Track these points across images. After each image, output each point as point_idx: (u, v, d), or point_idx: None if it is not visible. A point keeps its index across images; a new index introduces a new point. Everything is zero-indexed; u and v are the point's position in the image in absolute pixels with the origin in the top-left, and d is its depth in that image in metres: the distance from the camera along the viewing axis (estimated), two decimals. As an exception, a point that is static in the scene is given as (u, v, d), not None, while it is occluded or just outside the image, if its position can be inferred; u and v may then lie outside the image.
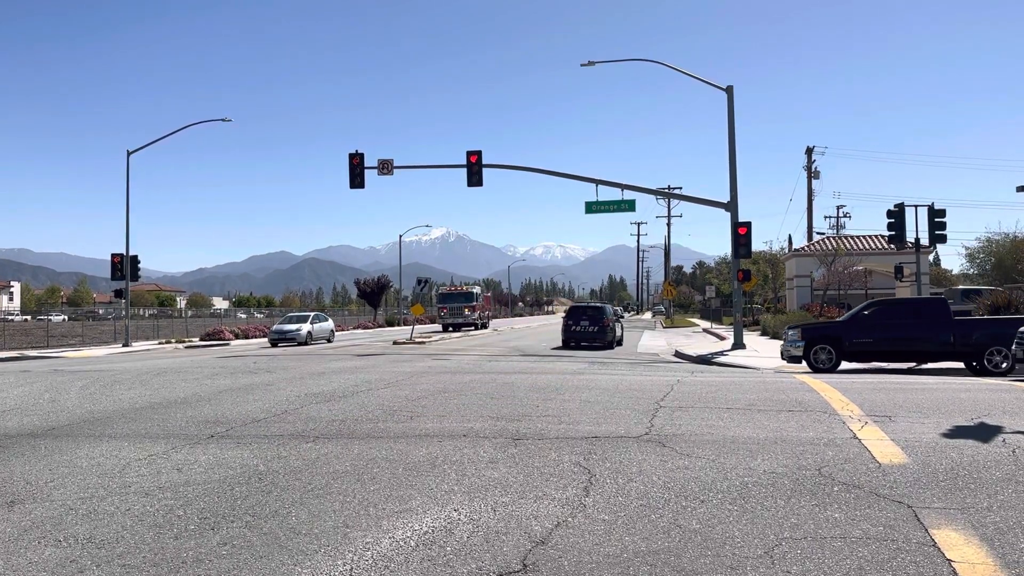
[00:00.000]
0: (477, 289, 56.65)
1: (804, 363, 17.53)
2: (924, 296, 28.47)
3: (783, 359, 18.53)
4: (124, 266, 35.64)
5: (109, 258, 36.29)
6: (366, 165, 28.94)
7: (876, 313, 17.75)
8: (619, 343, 32.84)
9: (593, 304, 35.89)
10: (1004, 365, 15.90)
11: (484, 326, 55.55)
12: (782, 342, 18.89)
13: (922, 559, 3.96)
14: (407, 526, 4.66)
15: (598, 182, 28.55)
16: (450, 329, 51.07)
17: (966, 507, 4.88)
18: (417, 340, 34.86)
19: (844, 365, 17.60)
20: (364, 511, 5.00)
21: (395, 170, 29.22)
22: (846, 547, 4.15)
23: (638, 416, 8.67)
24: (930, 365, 17.73)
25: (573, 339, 31.12)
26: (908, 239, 26.04)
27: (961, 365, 17.06)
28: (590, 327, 30.79)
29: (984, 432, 7.43)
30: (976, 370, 16.31)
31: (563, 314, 35.06)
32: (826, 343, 17.44)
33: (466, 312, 52.20)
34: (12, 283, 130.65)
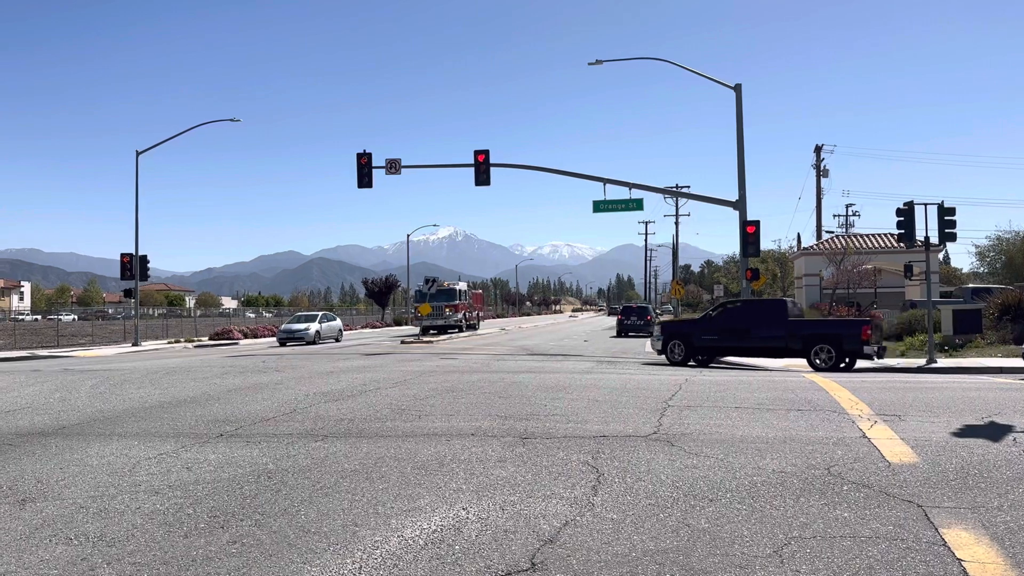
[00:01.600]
0: (462, 286, 47.75)
1: (664, 356, 19.58)
2: (765, 298, 30.70)
3: (653, 351, 20.93)
4: (133, 266, 35.78)
5: (119, 258, 36.42)
6: (374, 165, 28.95)
7: (722, 314, 19.72)
8: None
9: (640, 304, 47.81)
10: (829, 362, 17.14)
11: (473, 327, 48.44)
12: (652, 337, 21.50)
13: (932, 558, 3.94)
14: (416, 525, 4.67)
15: (606, 181, 28.46)
16: (431, 332, 43.42)
17: (976, 506, 4.86)
18: (425, 339, 34.92)
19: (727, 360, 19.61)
20: (373, 510, 5.01)
21: (403, 169, 29.23)
22: (856, 546, 4.14)
23: (646, 415, 8.67)
24: (779, 363, 18.50)
25: (624, 330, 40.99)
26: (917, 238, 25.81)
27: (802, 361, 17.95)
28: (637, 321, 41.09)
29: (994, 431, 7.39)
30: (815, 366, 17.25)
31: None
32: (679, 339, 19.39)
33: (447, 312, 44.15)
34: (22, 283, 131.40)
